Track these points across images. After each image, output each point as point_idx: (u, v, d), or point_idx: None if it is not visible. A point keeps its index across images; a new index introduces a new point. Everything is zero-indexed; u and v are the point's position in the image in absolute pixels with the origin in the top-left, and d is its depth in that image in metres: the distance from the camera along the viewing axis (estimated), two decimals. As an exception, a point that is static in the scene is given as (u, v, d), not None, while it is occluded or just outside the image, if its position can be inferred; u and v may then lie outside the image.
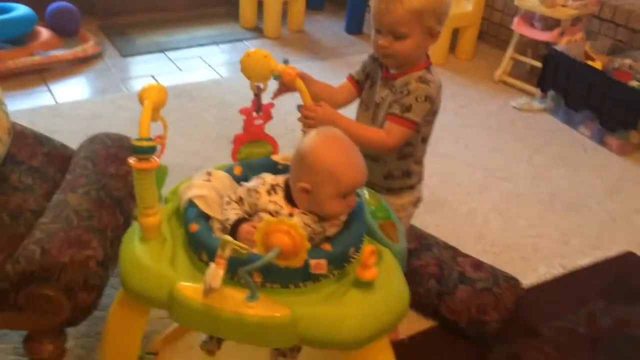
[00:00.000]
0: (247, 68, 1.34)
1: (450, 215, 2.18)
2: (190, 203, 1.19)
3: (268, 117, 1.42)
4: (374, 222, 1.27)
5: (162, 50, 3.47)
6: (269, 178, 1.21)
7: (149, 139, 1.09)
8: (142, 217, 1.15)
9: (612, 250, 2.07)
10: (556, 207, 2.27)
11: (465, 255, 1.82)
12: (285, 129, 2.21)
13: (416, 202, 1.55)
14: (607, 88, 2.64)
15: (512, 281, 1.74)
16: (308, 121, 1.33)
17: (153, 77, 3.18)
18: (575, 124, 2.84)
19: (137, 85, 3.07)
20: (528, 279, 1.90)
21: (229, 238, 0.99)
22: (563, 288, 1.90)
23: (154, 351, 1.45)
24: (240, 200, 1.19)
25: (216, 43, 3.64)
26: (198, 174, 1.27)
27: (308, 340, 1.06)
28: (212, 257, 1.02)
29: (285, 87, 1.39)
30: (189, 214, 1.17)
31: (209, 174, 1.26)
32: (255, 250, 1.03)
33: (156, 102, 1.15)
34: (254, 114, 1.41)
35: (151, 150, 1.09)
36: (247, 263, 0.99)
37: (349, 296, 1.08)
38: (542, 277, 1.93)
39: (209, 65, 3.36)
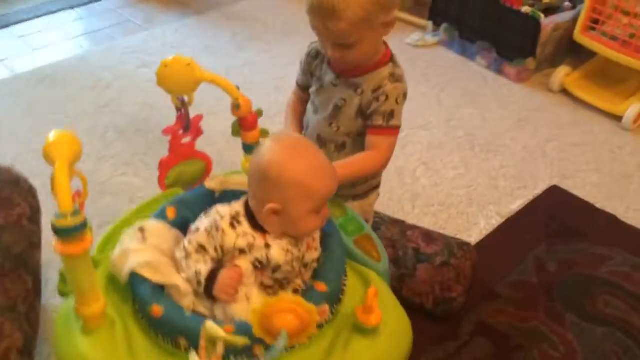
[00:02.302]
0: (167, 80, 1.09)
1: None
2: (135, 276, 0.96)
3: (198, 132, 1.19)
4: (348, 240, 1.13)
5: (3, 26, 2.93)
6: (224, 209, 1.01)
7: (75, 213, 0.84)
8: (82, 307, 0.91)
9: (538, 186, 2.10)
10: (476, 150, 2.24)
11: (412, 227, 1.74)
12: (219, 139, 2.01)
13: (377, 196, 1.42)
14: (500, 16, 2.61)
15: (465, 247, 1.69)
16: None
17: (-1, 63, 2.69)
18: (471, 55, 2.81)
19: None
20: (472, 236, 1.88)
21: (218, 332, 0.79)
22: (505, 238, 1.90)
23: None
24: (201, 248, 0.98)
25: (71, 7, 3.13)
26: (128, 233, 1.02)
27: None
28: (193, 341, 0.83)
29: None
30: (142, 293, 0.94)
31: (142, 230, 1.02)
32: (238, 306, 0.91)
33: (71, 158, 0.88)
34: (181, 132, 1.17)
35: (80, 227, 0.84)
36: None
37: (355, 347, 0.95)
38: (484, 230, 1.91)
39: (68, 38, 2.90)
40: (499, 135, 2.34)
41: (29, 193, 1.43)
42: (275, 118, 2.33)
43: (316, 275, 1.03)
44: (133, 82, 2.58)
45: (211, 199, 1.14)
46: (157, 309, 0.91)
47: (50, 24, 2.99)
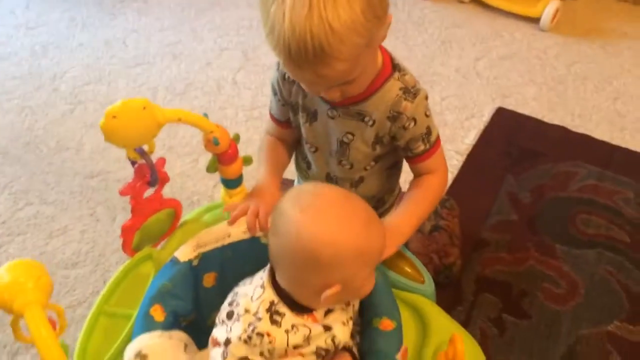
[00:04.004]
0: (120, 134, 0.79)
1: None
2: None
3: (164, 180, 0.92)
4: (381, 267, 0.94)
5: None
6: (252, 305, 0.79)
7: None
8: None
9: (484, 112, 2.01)
10: (412, 85, 2.09)
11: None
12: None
13: None
14: None
15: (447, 203, 1.57)
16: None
17: None
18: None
19: None
20: (441, 184, 1.76)
21: None
22: (472, 178, 1.80)
23: None
24: None
25: None
26: None
27: None
28: None
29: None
30: None
31: (143, 357, 0.78)
32: None
33: (44, 300, 0.61)
34: (147, 186, 0.89)
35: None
36: None
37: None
38: (450, 175, 1.79)
39: None
40: (428, 63, 2.20)
41: None
42: (186, 98, 2.03)
43: (370, 312, 0.85)
44: (-7, 83, 2.12)
45: (191, 272, 0.92)
46: None
47: None
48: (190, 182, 1.72)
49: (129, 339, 0.84)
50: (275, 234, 0.77)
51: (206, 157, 1.83)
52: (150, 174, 0.85)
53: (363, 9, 0.76)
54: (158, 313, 0.86)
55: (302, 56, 0.77)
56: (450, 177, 1.79)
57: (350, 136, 1.00)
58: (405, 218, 0.96)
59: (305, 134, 1.04)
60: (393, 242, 0.91)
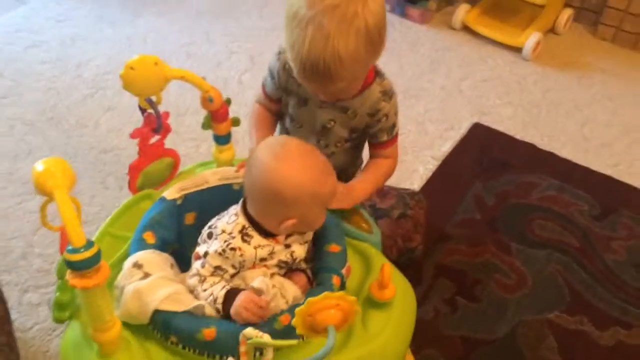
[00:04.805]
0: (135, 83, 1.01)
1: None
2: (160, 313, 0.92)
3: (167, 130, 1.13)
4: (337, 218, 1.14)
5: None
6: (227, 227, 0.99)
7: (89, 244, 0.78)
8: (99, 334, 0.87)
9: (463, 125, 2.21)
10: (400, 97, 2.28)
11: (362, 183, 1.79)
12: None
13: None
14: (399, -40, 2.64)
15: (416, 197, 1.77)
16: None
17: None
18: (374, 0, 2.82)
19: None
20: (415, 183, 1.96)
21: (265, 339, 0.79)
22: (444, 181, 2.00)
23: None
24: (217, 269, 0.96)
25: None
26: (124, 274, 0.97)
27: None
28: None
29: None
30: (182, 325, 0.91)
31: (138, 265, 0.97)
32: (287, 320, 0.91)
33: (68, 186, 0.81)
34: (153, 133, 1.10)
35: (95, 259, 0.79)
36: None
37: (373, 321, 0.98)
38: (424, 176, 2.00)
39: None
40: (417, 79, 2.42)
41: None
42: (196, 91, 2.24)
43: (321, 240, 1.05)
44: (26, 65, 2.35)
45: (176, 209, 1.12)
46: (209, 332, 0.88)
47: None
48: (191, 162, 1.92)
49: (126, 254, 1.04)
50: (250, 173, 0.98)
51: (207, 144, 2.05)
52: (156, 121, 1.05)
53: (366, 45, 1.00)
54: (150, 237, 1.05)
55: (313, 74, 1.00)
56: (424, 178, 1.99)
57: (332, 122, 1.21)
58: (361, 185, 1.19)
59: (293, 114, 1.24)
60: (349, 200, 1.13)
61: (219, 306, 0.94)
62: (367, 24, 0.97)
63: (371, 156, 1.28)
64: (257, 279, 0.96)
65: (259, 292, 0.94)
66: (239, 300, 0.93)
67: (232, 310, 0.92)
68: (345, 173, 1.33)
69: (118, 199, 1.80)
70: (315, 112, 1.20)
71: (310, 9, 0.96)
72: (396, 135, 1.27)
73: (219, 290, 0.95)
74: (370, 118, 1.19)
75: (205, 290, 0.95)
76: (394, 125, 1.24)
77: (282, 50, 1.16)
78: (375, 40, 1.01)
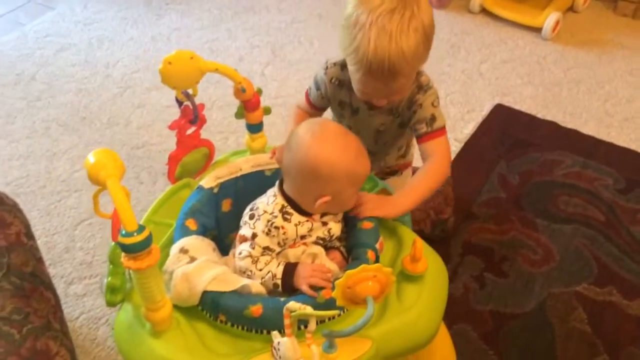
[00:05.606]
0: (173, 77, 1.07)
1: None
2: (209, 294, 0.98)
3: (202, 121, 1.19)
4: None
5: None
6: (269, 207, 1.06)
7: (140, 228, 0.84)
8: (152, 313, 0.93)
9: (484, 107, 2.24)
10: (421, 82, 2.34)
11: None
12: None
13: None
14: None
15: (442, 177, 1.81)
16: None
17: None
18: (391, -12, 2.85)
19: None
20: (439, 166, 2.00)
21: (309, 311, 0.84)
22: (468, 161, 2.03)
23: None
24: (266, 250, 1.03)
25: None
26: (171, 260, 1.03)
27: (387, 357, 1.00)
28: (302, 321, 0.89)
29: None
30: (230, 304, 0.97)
31: (184, 250, 1.04)
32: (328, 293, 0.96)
33: (120, 175, 0.88)
34: (190, 124, 1.16)
35: (147, 242, 0.85)
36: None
37: (408, 294, 1.03)
38: (448, 158, 2.03)
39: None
40: (437, 64, 2.45)
41: (15, 208, 1.37)
42: (220, 86, 2.30)
43: (352, 219, 1.10)
44: (58, 68, 2.44)
45: (213, 197, 1.17)
46: (256, 309, 0.94)
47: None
48: (220, 155, 1.99)
49: (170, 240, 1.10)
50: (290, 150, 1.03)
51: (234, 137, 2.11)
52: (192, 113, 1.11)
53: (424, 42, 1.09)
54: (192, 224, 1.11)
55: (380, 71, 1.07)
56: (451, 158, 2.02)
57: (383, 126, 1.30)
58: (406, 195, 1.18)
59: (350, 124, 1.31)
60: (393, 210, 1.15)
61: (278, 281, 1.01)
62: (423, 22, 1.07)
63: (422, 158, 1.28)
64: (311, 246, 1.04)
65: (314, 256, 1.02)
66: (302, 271, 1.00)
67: (300, 280, 0.99)
68: (389, 167, 1.45)
69: (152, 193, 1.87)
70: (366, 119, 1.29)
71: (370, 14, 1.05)
72: (439, 131, 1.23)
73: (275, 267, 1.02)
74: (408, 110, 1.25)
75: (260, 269, 1.02)
76: (433, 117, 1.22)
77: (329, 65, 1.26)
78: (430, 36, 1.11)
